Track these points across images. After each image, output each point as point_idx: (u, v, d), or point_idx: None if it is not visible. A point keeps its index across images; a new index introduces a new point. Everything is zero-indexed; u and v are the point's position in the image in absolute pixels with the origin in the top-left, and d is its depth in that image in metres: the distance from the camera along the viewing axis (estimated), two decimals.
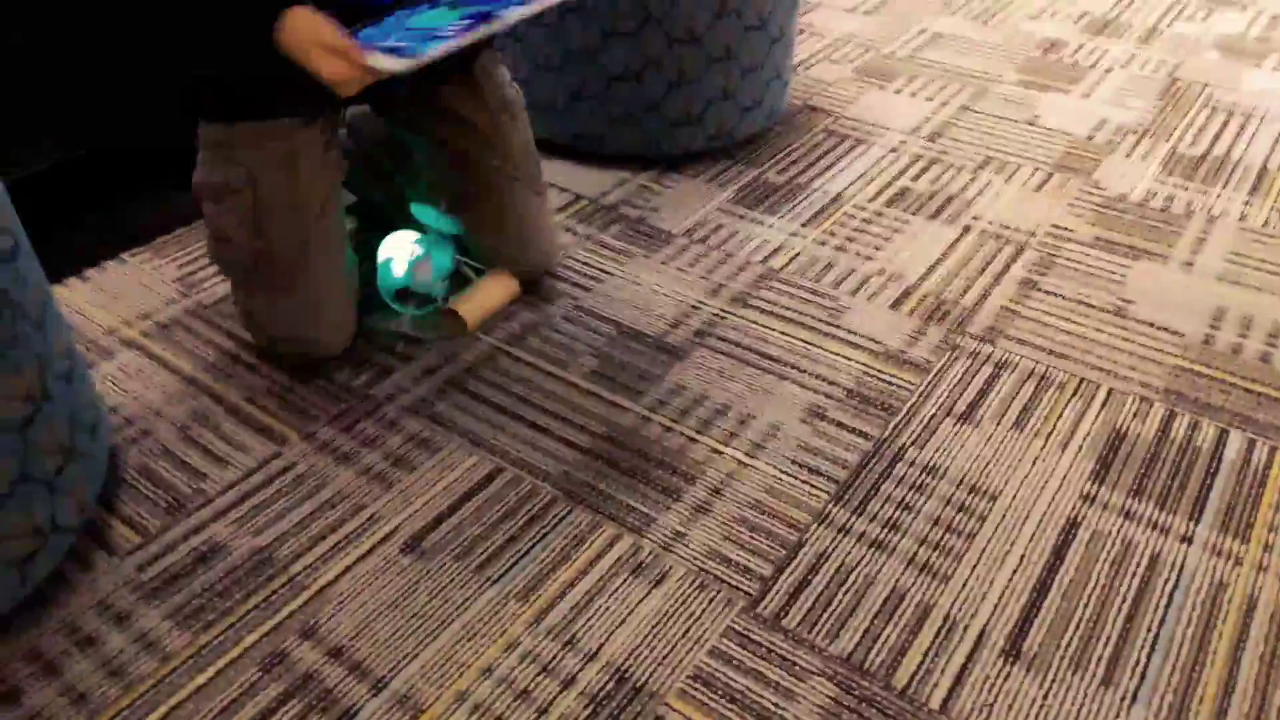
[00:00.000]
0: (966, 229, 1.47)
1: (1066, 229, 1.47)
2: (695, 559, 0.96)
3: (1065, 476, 1.05)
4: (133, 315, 1.29)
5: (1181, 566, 0.95)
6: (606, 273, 1.37)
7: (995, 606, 0.92)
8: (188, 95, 1.15)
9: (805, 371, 1.20)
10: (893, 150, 1.68)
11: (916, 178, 1.60)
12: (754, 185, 1.57)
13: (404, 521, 1.00)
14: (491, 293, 1.26)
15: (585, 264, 1.38)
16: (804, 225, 1.48)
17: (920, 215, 1.50)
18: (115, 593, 0.93)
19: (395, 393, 1.16)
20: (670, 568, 0.95)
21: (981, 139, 1.71)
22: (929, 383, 1.18)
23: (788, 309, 1.30)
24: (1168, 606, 0.92)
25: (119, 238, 1.42)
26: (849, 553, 0.97)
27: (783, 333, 1.26)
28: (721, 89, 1.55)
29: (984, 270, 1.38)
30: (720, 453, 1.08)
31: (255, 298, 1.15)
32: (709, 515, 1.01)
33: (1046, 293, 1.34)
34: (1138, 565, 0.96)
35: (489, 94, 1.24)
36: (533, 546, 0.97)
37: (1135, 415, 1.13)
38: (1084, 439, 1.10)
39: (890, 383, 1.18)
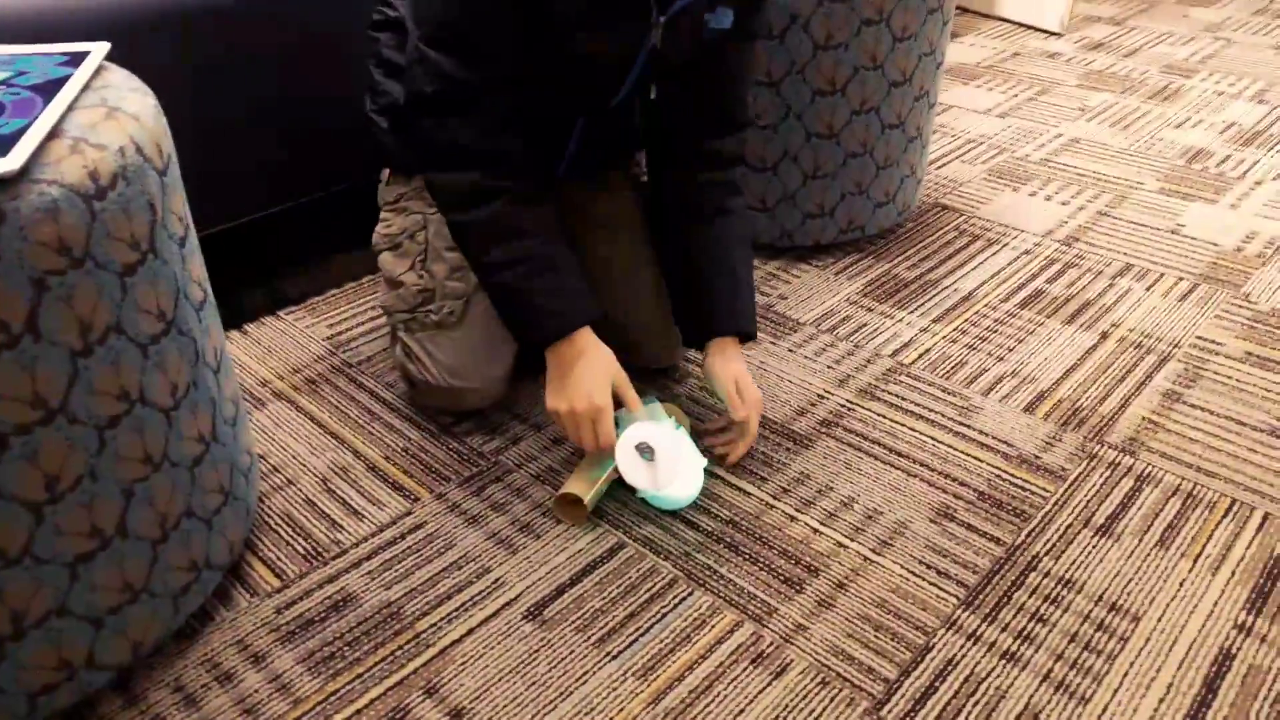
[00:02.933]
0: (1104, 335, 1.43)
1: (1215, 342, 1.41)
2: (817, 654, 0.94)
3: (1217, 603, 0.99)
4: (284, 369, 1.37)
5: None
6: None
7: None
8: (379, 153, 1.25)
9: (934, 470, 1.17)
10: (1026, 252, 1.66)
11: (1051, 280, 1.57)
12: (884, 279, 1.58)
13: (527, 589, 1.01)
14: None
15: None
16: (934, 321, 1.46)
17: (1055, 319, 1.47)
18: (254, 633, 0.96)
19: (524, 460, 1.19)
20: (791, 660, 0.93)
21: (1120, 245, 1.68)
22: (1065, 491, 1.14)
23: (917, 405, 1.29)
24: None
25: (277, 296, 1.52)
26: (979, 662, 0.93)
27: (911, 429, 1.24)
28: (856, 184, 1.57)
29: (1124, 379, 1.34)
30: (845, 546, 1.06)
31: (416, 339, 1.20)
32: (832, 610, 0.99)
33: (1193, 406, 1.28)
34: None
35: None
36: (653, 625, 0.97)
37: None
38: (1238, 564, 1.04)
39: (1024, 488, 1.14)
